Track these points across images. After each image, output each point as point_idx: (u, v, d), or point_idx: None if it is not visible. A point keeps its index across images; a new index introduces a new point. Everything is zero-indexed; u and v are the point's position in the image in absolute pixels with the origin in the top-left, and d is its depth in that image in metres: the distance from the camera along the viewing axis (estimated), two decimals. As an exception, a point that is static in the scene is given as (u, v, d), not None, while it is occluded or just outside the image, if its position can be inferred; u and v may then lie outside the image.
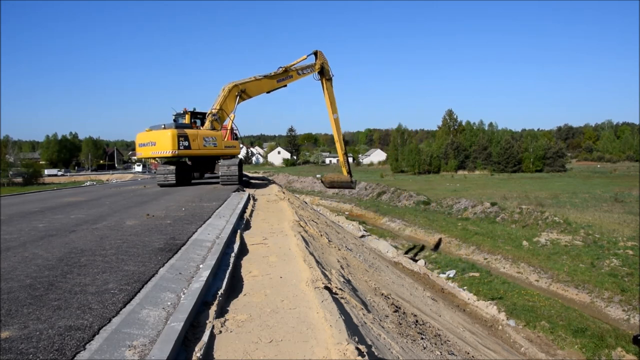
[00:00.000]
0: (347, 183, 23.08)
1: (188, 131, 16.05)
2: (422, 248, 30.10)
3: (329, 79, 20.88)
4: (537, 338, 15.76)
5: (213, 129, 17.17)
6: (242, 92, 17.62)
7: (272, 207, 12.02)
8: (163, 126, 16.11)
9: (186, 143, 15.75)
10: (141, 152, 16.63)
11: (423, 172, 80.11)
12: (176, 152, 15.65)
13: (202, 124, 17.82)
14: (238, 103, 17.61)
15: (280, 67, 18.69)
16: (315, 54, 20.14)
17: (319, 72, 20.41)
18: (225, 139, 17.48)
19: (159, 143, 15.84)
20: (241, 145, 20.47)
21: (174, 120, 17.64)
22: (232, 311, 3.89)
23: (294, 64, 19.17)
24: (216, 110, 17.16)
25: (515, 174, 74.54)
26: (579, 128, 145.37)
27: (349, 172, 22.91)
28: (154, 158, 17.48)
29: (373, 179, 64.58)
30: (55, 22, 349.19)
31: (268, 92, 18.77)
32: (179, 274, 4.52)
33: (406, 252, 27.59)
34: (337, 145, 22.65)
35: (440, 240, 31.21)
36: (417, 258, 26.31)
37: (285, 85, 19.17)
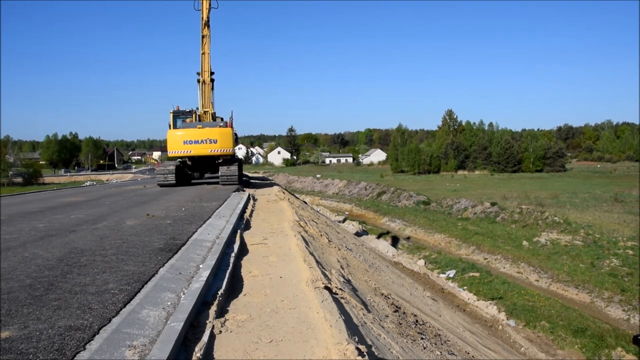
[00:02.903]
0: None
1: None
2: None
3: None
4: (537, 338, 15.75)
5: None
6: (212, 73, 17.68)
7: (272, 207, 12.02)
8: (220, 125, 16.19)
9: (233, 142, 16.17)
10: (190, 150, 16.11)
11: (423, 172, 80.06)
12: (233, 151, 16.01)
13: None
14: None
15: (204, 27, 17.81)
16: None
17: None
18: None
19: (221, 141, 15.63)
20: (240, 146, 20.52)
21: (175, 119, 17.61)
22: (232, 311, 3.89)
23: (204, 14, 17.98)
24: (210, 108, 17.23)
25: (515, 174, 74.47)
26: (579, 128, 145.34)
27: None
28: (213, 156, 17.13)
29: (373, 179, 64.54)
30: (55, 22, 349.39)
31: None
32: (179, 274, 4.52)
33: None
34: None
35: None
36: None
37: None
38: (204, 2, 17.80)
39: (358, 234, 27.55)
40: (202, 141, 15.88)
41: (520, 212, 31.52)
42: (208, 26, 17.89)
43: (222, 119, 17.73)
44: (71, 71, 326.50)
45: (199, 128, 16.19)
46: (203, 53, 17.69)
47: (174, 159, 17.90)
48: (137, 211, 9.71)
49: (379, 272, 10.83)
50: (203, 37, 17.80)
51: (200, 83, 17.42)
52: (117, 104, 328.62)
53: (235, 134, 19.56)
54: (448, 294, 19.04)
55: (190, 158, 17.76)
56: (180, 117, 17.74)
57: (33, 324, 3.13)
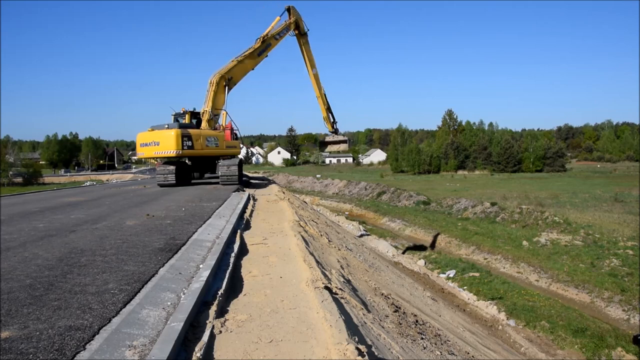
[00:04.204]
0: (340, 141, 23.43)
1: (191, 131, 16.03)
2: (422, 248, 29.91)
3: (304, 34, 20.28)
4: (537, 338, 15.75)
5: (213, 128, 17.13)
6: (228, 81, 17.26)
7: (272, 207, 12.02)
8: (166, 126, 16.06)
9: (189, 143, 15.75)
10: (143, 152, 16.56)
11: (423, 172, 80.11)
12: (180, 152, 15.63)
13: (200, 123, 17.71)
14: (227, 93, 17.35)
15: (258, 39, 17.97)
16: (288, 10, 19.20)
17: (294, 29, 19.69)
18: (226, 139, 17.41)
19: (163, 143, 15.77)
20: (241, 145, 20.38)
21: (175, 121, 17.61)
22: (232, 311, 3.89)
23: (269, 31, 18.31)
24: (210, 108, 17.10)
25: (515, 174, 74.52)
26: (579, 128, 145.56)
27: (333, 124, 22.76)
28: (157, 158, 17.57)
29: (373, 179, 64.56)
30: (55, 22, 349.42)
31: (252, 69, 18.46)
32: (179, 274, 4.52)
33: (404, 252, 27.63)
34: (319, 100, 22.00)
35: (436, 237, 31.35)
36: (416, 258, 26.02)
37: (267, 56, 18.64)
38: (282, 22, 18.07)
39: (362, 237, 27.25)
40: (148, 144, 16.14)
41: (520, 212, 31.52)
42: (266, 42, 17.77)
43: (204, 118, 17.46)
44: (71, 71, 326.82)
45: (149, 131, 16.31)
46: (239, 60, 17.50)
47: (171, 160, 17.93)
48: (137, 211, 9.70)
49: (379, 272, 10.83)
50: (256, 48, 17.66)
51: (209, 83, 17.27)
52: (117, 104, 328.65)
53: (236, 134, 19.52)
54: (448, 294, 19.03)
55: (190, 158, 17.77)
56: (178, 119, 17.84)
57: (33, 324, 3.13)
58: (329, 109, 22.37)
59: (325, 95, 22.09)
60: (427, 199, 42.62)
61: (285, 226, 8.45)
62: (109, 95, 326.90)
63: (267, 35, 18.27)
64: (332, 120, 22.77)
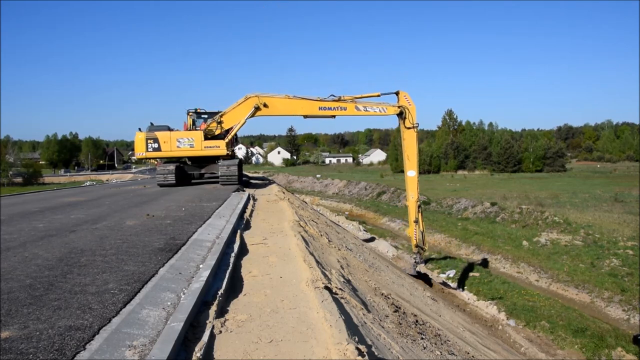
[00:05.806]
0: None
1: (158, 134, 16.51)
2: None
3: (410, 128, 16.48)
4: (537, 338, 15.75)
5: (210, 130, 17.16)
6: (262, 105, 16.50)
7: (272, 207, 12.03)
8: (139, 129, 16.82)
9: (155, 145, 16.47)
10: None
11: (423, 172, 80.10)
12: (144, 154, 16.65)
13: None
14: (253, 115, 16.66)
15: (332, 95, 16.22)
16: (397, 94, 16.47)
17: (398, 115, 16.66)
18: (226, 140, 17.32)
19: (135, 145, 16.85)
20: (240, 147, 20.33)
21: (193, 121, 18.03)
22: (232, 311, 3.89)
23: (356, 97, 16.29)
24: (220, 115, 17.14)
25: (515, 174, 74.56)
26: (579, 128, 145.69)
27: (418, 246, 16.62)
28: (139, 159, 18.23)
29: (373, 179, 64.62)
30: (55, 22, 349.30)
31: (305, 117, 16.99)
32: (179, 274, 4.52)
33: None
34: (409, 208, 16.60)
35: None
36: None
37: (334, 117, 16.73)
38: (381, 100, 16.45)
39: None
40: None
41: (520, 212, 31.51)
42: (339, 103, 16.26)
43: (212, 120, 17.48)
44: (71, 71, 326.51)
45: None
46: (289, 97, 16.53)
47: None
48: (137, 211, 9.71)
49: (379, 272, 10.83)
50: (322, 99, 16.28)
51: (244, 96, 17.07)
52: (117, 104, 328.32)
53: (236, 135, 19.56)
54: (448, 294, 19.04)
55: (189, 158, 17.85)
56: (196, 119, 18.29)
57: (33, 324, 3.13)
58: (416, 221, 16.25)
59: (419, 206, 16.42)
60: (427, 199, 42.59)
61: (285, 226, 8.45)
62: (109, 95, 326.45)
63: (347, 99, 16.24)
64: (417, 238, 16.50)
